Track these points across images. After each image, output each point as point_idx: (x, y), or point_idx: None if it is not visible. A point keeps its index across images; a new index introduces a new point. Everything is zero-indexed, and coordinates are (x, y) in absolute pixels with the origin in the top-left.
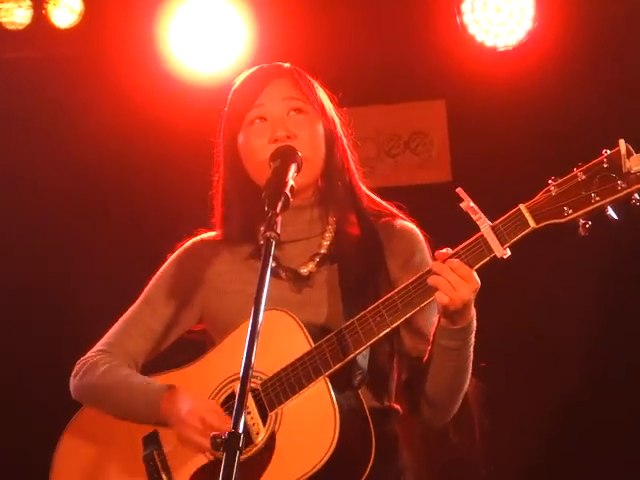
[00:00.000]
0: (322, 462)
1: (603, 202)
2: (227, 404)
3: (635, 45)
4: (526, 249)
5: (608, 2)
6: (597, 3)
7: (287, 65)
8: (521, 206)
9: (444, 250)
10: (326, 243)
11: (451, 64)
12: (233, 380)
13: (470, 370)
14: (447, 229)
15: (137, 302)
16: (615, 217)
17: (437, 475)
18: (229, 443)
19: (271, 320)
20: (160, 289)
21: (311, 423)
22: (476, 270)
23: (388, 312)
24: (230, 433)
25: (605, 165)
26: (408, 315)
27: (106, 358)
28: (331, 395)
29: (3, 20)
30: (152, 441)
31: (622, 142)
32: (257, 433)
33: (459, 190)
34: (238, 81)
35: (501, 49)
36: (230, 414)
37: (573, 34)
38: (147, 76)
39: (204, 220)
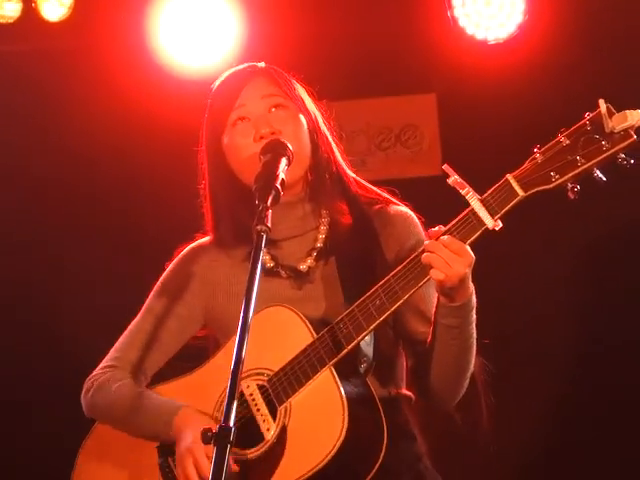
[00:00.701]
0: (334, 451)
1: (589, 164)
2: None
3: (624, 38)
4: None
5: None
6: None
7: (262, 64)
8: (508, 176)
9: (436, 228)
10: (322, 236)
11: (442, 57)
12: (240, 379)
13: (474, 349)
14: (439, 222)
15: (140, 313)
16: (604, 179)
17: (447, 457)
18: (219, 437)
19: (273, 316)
20: (162, 298)
21: (320, 413)
22: (470, 244)
23: (387, 296)
24: (220, 427)
25: (588, 127)
26: (407, 296)
27: (116, 375)
28: (337, 384)
29: None
30: (166, 449)
31: (602, 102)
32: (268, 429)
33: (445, 167)
34: (215, 85)
35: (492, 42)
36: (241, 418)
37: (563, 27)
38: (138, 69)
39: (198, 213)
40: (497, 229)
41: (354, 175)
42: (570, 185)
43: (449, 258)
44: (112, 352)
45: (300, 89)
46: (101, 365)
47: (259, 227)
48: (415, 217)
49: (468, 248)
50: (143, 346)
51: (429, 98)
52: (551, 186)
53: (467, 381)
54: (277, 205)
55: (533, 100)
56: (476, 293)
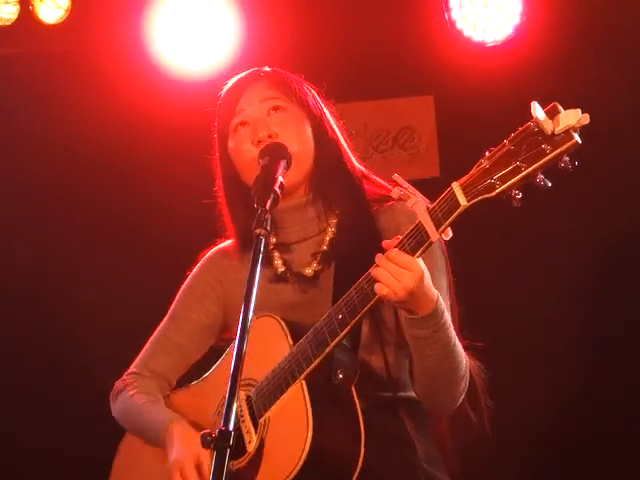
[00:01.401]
0: (300, 463)
1: (530, 169)
2: None
3: (624, 38)
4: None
5: None
6: None
7: (267, 69)
8: (454, 184)
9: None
10: (328, 239)
11: (439, 59)
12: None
13: (458, 355)
14: None
15: (165, 319)
16: (549, 184)
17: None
18: (219, 441)
19: (261, 327)
20: (183, 304)
21: (289, 426)
22: (421, 256)
23: (348, 310)
24: (220, 431)
25: (535, 129)
26: (365, 310)
27: (136, 381)
28: (304, 396)
29: None
30: None
31: (534, 104)
32: (250, 442)
33: (395, 176)
34: (222, 92)
35: (489, 44)
36: None
37: (561, 28)
38: (135, 71)
39: (197, 213)
40: (446, 239)
41: (364, 170)
42: (514, 192)
43: (395, 272)
44: (137, 359)
45: (306, 89)
46: (126, 372)
47: (257, 231)
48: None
49: (420, 261)
50: (165, 354)
51: (426, 100)
52: (494, 194)
53: (462, 387)
54: (287, 208)
55: (530, 102)
56: (482, 291)
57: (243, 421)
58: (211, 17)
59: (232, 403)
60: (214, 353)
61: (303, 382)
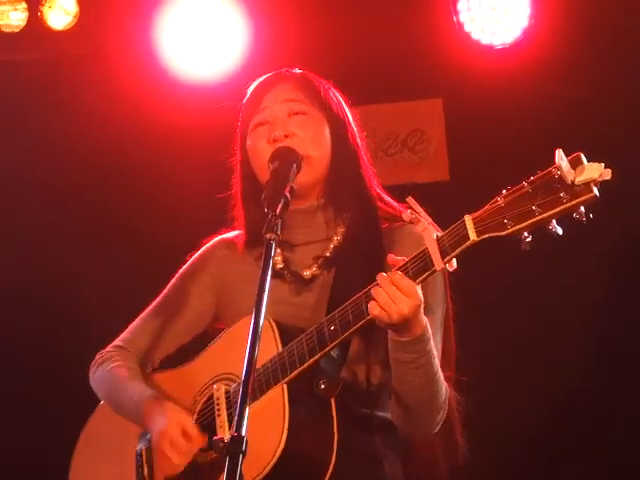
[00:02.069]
0: (268, 467)
1: (545, 215)
2: (205, 405)
3: (631, 41)
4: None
5: None
6: None
7: (296, 70)
8: (466, 217)
9: (399, 258)
10: (332, 246)
11: (448, 62)
12: (215, 381)
13: (438, 383)
14: (446, 228)
15: (157, 299)
16: (559, 232)
17: None
18: (231, 447)
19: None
20: (179, 288)
21: (264, 428)
22: (420, 283)
23: (341, 323)
24: (232, 437)
25: (555, 176)
26: (357, 326)
27: (119, 355)
28: (284, 400)
29: None
30: (144, 437)
31: (558, 152)
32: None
33: (409, 199)
34: (249, 89)
35: (497, 47)
36: (207, 418)
37: (569, 31)
38: (144, 75)
39: (203, 216)
40: (450, 270)
41: (379, 190)
42: (524, 235)
43: (394, 296)
44: (124, 333)
45: (333, 96)
46: (112, 344)
47: (268, 235)
48: None
49: (416, 289)
50: (154, 333)
51: (435, 103)
52: (504, 234)
53: (439, 417)
54: (297, 210)
55: (539, 104)
56: (492, 293)
57: (219, 415)
58: (219, 21)
59: (244, 408)
60: (202, 339)
61: (284, 386)
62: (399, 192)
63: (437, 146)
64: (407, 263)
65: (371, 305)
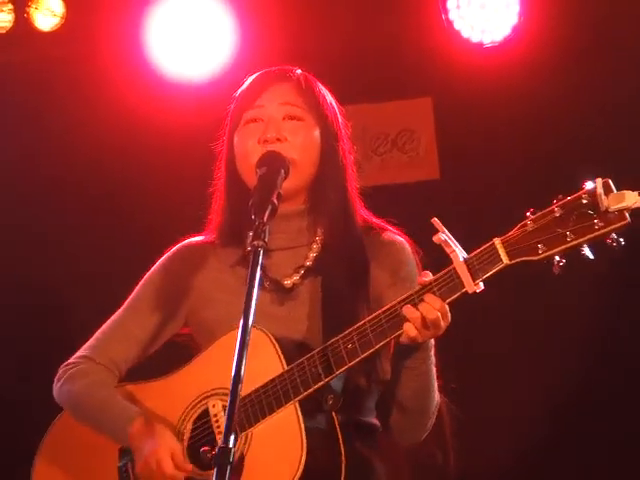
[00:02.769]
0: None
1: (578, 241)
2: (199, 422)
3: (617, 39)
4: None
5: None
6: None
7: (298, 71)
8: (495, 240)
9: (426, 277)
10: (312, 255)
11: (437, 61)
12: (207, 397)
13: (435, 389)
14: (434, 229)
15: (123, 307)
16: (591, 257)
17: None
18: (219, 458)
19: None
20: (145, 296)
21: (279, 447)
22: (447, 303)
23: (360, 341)
24: (220, 448)
25: (584, 201)
26: (379, 346)
27: (88, 368)
28: (299, 421)
29: None
30: (127, 453)
31: (599, 181)
32: None
33: (434, 220)
34: (246, 81)
35: (487, 45)
36: (201, 433)
37: (558, 28)
38: (131, 75)
39: (195, 217)
40: (478, 291)
41: (360, 204)
42: (557, 259)
43: (432, 319)
44: (91, 341)
45: (329, 104)
46: (77, 354)
47: (256, 242)
48: (408, 247)
49: (446, 307)
50: (120, 342)
51: (425, 102)
52: (536, 258)
53: (430, 421)
54: (277, 215)
55: (529, 102)
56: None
57: (220, 432)
58: (206, 22)
59: (232, 421)
60: (168, 348)
61: (297, 404)
62: (389, 192)
63: (427, 145)
64: (432, 282)
65: (407, 327)
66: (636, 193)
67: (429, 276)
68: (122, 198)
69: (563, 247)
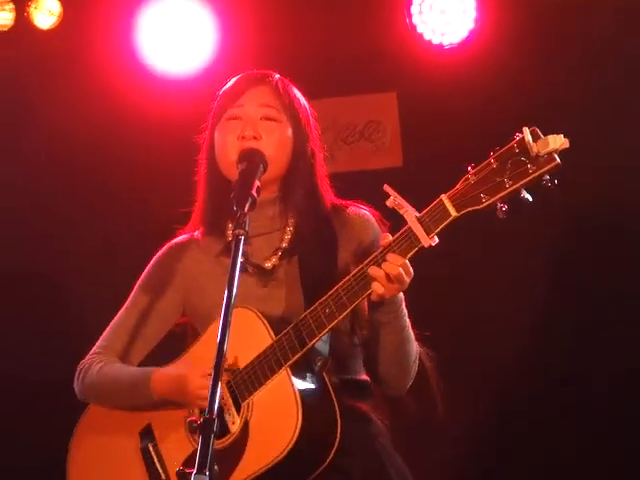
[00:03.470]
0: (290, 445)
1: (515, 186)
2: None
3: (569, 41)
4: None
5: (541, 2)
6: (530, 2)
7: (276, 75)
8: (443, 196)
9: (386, 239)
10: (287, 237)
11: (402, 60)
12: (209, 374)
13: (412, 340)
14: (398, 212)
15: (125, 306)
16: (530, 199)
17: (406, 437)
18: (204, 428)
19: (237, 317)
20: (145, 293)
21: (277, 411)
22: (408, 259)
23: (335, 305)
24: (204, 419)
25: (516, 150)
26: (352, 306)
27: (100, 358)
28: (292, 384)
29: None
30: (147, 435)
31: (526, 130)
32: (233, 423)
33: (386, 187)
34: (230, 81)
35: (447, 46)
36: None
37: (511, 31)
38: (125, 72)
39: (184, 212)
40: (434, 245)
41: (329, 192)
42: (499, 205)
43: (396, 275)
44: (99, 341)
45: (303, 108)
46: (90, 353)
47: (237, 231)
48: (372, 217)
49: (408, 263)
50: (127, 338)
51: (390, 96)
52: (481, 207)
53: (413, 369)
54: None
55: (485, 98)
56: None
57: (225, 403)
58: (191, 22)
59: (215, 392)
60: (172, 338)
61: (288, 369)
62: (356, 177)
63: (392, 136)
64: (391, 244)
65: (375, 285)
66: (560, 136)
67: (389, 237)
68: (120, 190)
69: (503, 193)
